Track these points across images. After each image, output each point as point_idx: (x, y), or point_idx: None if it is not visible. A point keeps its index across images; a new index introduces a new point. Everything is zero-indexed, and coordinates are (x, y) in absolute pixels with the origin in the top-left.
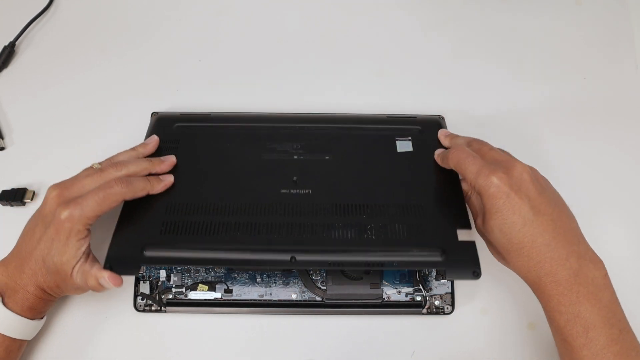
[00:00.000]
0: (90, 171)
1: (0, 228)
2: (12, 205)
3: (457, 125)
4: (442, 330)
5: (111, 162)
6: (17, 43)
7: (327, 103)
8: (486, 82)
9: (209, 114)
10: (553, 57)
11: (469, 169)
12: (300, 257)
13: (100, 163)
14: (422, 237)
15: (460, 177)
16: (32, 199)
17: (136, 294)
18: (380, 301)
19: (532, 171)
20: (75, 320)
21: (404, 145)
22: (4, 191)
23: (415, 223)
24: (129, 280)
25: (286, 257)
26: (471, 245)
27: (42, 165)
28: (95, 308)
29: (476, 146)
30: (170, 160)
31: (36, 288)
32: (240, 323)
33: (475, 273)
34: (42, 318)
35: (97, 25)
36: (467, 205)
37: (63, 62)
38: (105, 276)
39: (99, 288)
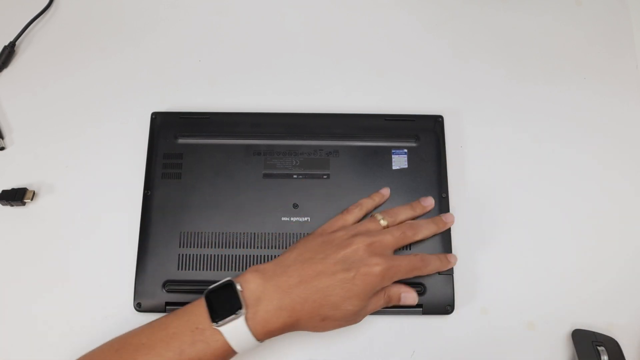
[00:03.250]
0: (376, 225)
1: (0, 228)
2: (12, 205)
3: (457, 125)
4: (442, 330)
5: (406, 224)
6: (17, 43)
7: (327, 102)
8: (486, 82)
9: (209, 116)
10: (553, 57)
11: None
12: None
13: (383, 217)
14: None
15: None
16: (32, 199)
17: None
18: None
19: None
20: (76, 320)
21: (399, 161)
22: (4, 191)
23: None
24: (129, 279)
25: None
26: (449, 279)
27: (42, 165)
28: (96, 308)
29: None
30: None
31: (291, 315)
32: None
33: (448, 309)
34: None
35: (97, 25)
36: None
37: (63, 62)
38: (410, 293)
39: (393, 302)
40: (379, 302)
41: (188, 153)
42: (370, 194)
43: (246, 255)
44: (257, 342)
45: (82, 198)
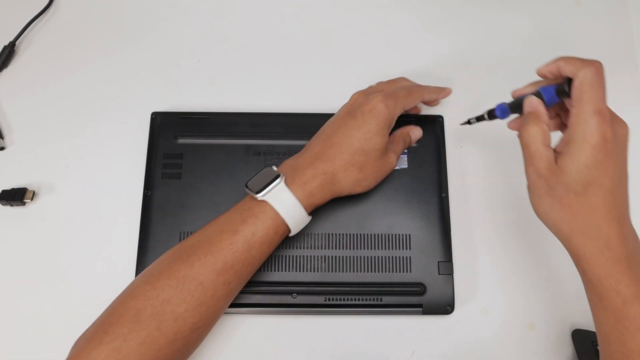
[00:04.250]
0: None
1: (0, 228)
2: (12, 205)
3: (457, 125)
4: (442, 330)
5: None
6: (17, 43)
7: (327, 103)
8: (486, 82)
9: (209, 116)
10: (553, 57)
11: (594, 101)
12: (300, 297)
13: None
14: (406, 272)
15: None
16: (32, 199)
17: None
18: (380, 301)
19: None
20: (76, 320)
21: (399, 161)
22: (4, 191)
23: (404, 256)
24: (130, 279)
25: (288, 297)
26: (449, 279)
27: (42, 165)
28: (96, 308)
29: None
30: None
31: (325, 173)
32: (241, 323)
33: (448, 309)
34: (309, 215)
35: (97, 25)
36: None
37: (63, 62)
38: (415, 129)
39: (408, 142)
40: (400, 143)
41: (188, 153)
42: (369, 194)
43: None
44: (302, 209)
45: (82, 198)
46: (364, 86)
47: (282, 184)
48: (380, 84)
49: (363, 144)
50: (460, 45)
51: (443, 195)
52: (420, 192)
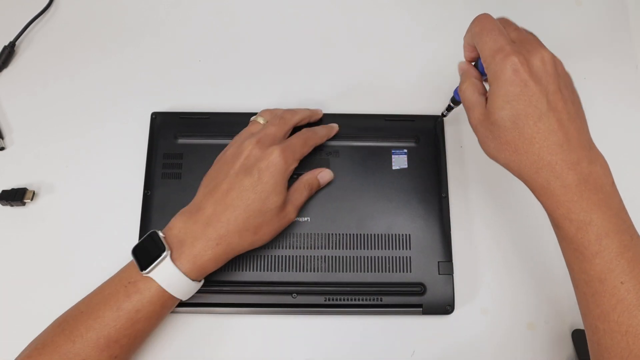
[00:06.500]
0: (257, 126)
1: (0, 228)
2: (12, 205)
3: (457, 124)
4: (442, 330)
5: (281, 111)
6: (17, 43)
7: (326, 103)
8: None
9: (209, 116)
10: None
11: (489, 45)
12: (300, 297)
13: (262, 116)
14: (406, 272)
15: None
16: (32, 199)
17: None
18: (380, 301)
19: (556, 62)
20: None
21: (399, 161)
22: (4, 191)
23: (404, 256)
24: None
25: (288, 297)
26: (449, 279)
27: (42, 165)
28: None
29: (502, 23)
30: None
31: (219, 242)
32: (241, 323)
33: (448, 309)
34: (200, 281)
35: (97, 25)
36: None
37: (63, 62)
38: (324, 172)
39: (315, 187)
40: (303, 193)
41: (188, 153)
42: (369, 194)
43: (245, 255)
44: (192, 282)
45: (82, 198)
46: (364, 86)
47: (168, 260)
48: (273, 111)
49: (259, 204)
50: (460, 46)
51: (443, 195)
52: (420, 192)
